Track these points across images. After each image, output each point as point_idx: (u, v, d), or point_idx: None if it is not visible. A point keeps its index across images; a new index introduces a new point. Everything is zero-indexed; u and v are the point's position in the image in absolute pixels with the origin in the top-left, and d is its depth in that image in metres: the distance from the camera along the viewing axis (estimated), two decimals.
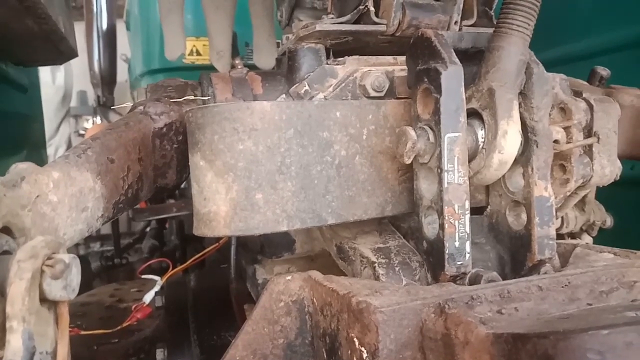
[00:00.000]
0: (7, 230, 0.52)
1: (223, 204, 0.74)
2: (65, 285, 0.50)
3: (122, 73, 4.43)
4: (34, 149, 2.06)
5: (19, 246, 0.53)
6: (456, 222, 0.76)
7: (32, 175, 0.59)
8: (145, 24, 2.83)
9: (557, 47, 1.76)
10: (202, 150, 0.75)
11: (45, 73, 4.81)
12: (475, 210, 0.90)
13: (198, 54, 2.64)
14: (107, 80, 4.03)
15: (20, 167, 0.58)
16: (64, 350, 0.52)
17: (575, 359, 0.48)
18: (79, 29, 3.94)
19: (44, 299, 0.49)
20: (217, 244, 1.57)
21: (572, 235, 1.20)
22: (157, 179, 0.85)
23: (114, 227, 3.25)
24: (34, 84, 2.06)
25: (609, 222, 1.23)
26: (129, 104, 0.94)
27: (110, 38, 3.86)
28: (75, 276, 0.51)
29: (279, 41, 1.97)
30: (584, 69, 1.26)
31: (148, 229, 3.47)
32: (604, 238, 1.22)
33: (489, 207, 0.89)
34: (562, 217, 1.14)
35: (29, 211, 0.57)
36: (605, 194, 1.18)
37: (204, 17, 1.71)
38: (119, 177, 0.74)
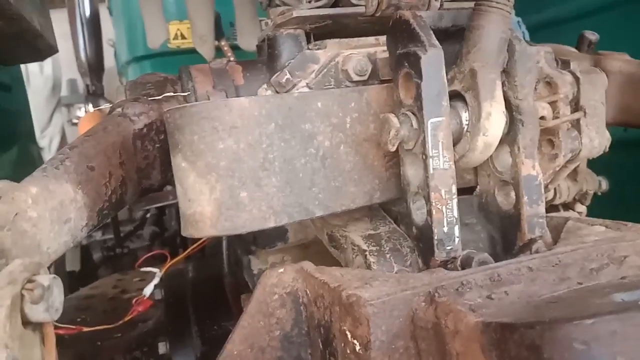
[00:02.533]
0: None
1: (208, 205, 0.74)
2: (47, 307, 0.49)
3: (111, 59, 4.35)
4: (23, 145, 2.05)
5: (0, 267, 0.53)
6: (443, 207, 0.76)
7: (9, 193, 0.58)
8: (127, 10, 2.77)
9: (543, 11, 1.73)
10: (182, 151, 0.74)
11: (32, 64, 4.75)
12: (465, 191, 0.89)
13: (183, 37, 2.59)
14: (94, 68, 3.97)
15: None
16: None
17: (561, 348, 0.48)
18: (62, 16, 3.87)
19: (27, 322, 0.49)
20: None
21: (566, 206, 1.20)
22: (141, 180, 0.85)
23: (114, 216, 3.25)
24: (17, 82, 2.03)
25: (604, 185, 1.23)
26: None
27: (94, 25, 3.78)
28: (57, 297, 0.50)
29: (262, 19, 1.94)
30: (572, 32, 1.24)
31: (148, 216, 3.47)
32: (600, 202, 1.22)
33: (478, 187, 0.89)
34: (554, 189, 1.13)
35: (8, 231, 0.56)
36: (599, 158, 1.18)
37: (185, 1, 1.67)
38: (101, 184, 0.73)
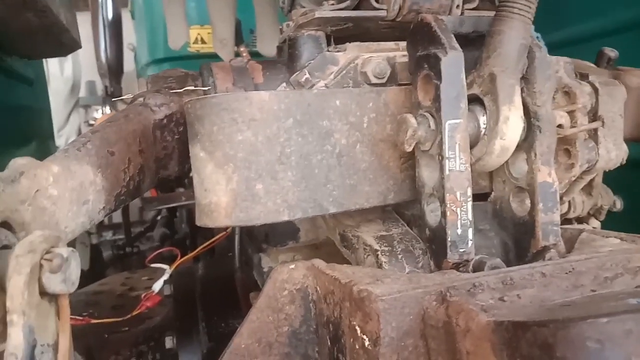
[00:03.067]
0: (6, 225, 0.53)
1: (224, 195, 0.74)
2: (65, 279, 0.50)
3: (130, 63, 4.42)
4: (42, 140, 2.08)
5: (19, 241, 0.53)
6: (458, 209, 0.76)
7: (32, 170, 0.59)
8: (149, 14, 2.82)
9: (564, 29, 1.73)
10: (201, 141, 0.75)
11: (53, 64, 4.83)
12: (480, 197, 0.89)
13: (203, 42, 2.63)
14: (114, 70, 4.04)
15: (19, 163, 0.59)
16: (65, 342, 0.53)
17: (574, 347, 0.48)
18: (86, 19, 3.95)
19: (44, 293, 0.50)
20: (225, 231, 1.58)
21: (580, 220, 1.19)
22: (159, 170, 0.86)
23: (125, 216, 3.28)
24: (39, 77, 2.07)
25: (619, 204, 1.22)
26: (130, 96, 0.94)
27: (116, 28, 3.86)
28: (74, 269, 0.51)
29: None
30: (591, 51, 1.24)
31: (159, 218, 3.49)
32: (614, 220, 1.20)
33: (492, 193, 0.89)
34: (569, 202, 1.12)
35: (28, 205, 0.57)
36: (614, 176, 1.17)
37: None
38: (120, 169, 0.74)
